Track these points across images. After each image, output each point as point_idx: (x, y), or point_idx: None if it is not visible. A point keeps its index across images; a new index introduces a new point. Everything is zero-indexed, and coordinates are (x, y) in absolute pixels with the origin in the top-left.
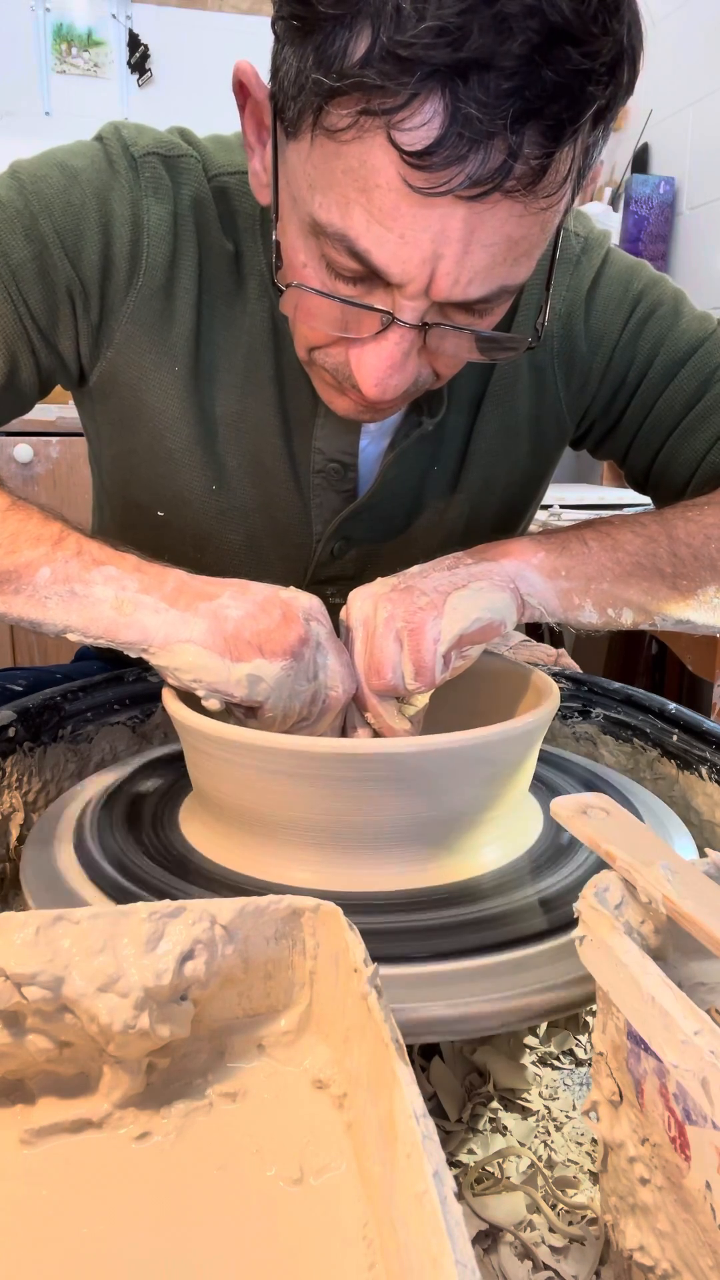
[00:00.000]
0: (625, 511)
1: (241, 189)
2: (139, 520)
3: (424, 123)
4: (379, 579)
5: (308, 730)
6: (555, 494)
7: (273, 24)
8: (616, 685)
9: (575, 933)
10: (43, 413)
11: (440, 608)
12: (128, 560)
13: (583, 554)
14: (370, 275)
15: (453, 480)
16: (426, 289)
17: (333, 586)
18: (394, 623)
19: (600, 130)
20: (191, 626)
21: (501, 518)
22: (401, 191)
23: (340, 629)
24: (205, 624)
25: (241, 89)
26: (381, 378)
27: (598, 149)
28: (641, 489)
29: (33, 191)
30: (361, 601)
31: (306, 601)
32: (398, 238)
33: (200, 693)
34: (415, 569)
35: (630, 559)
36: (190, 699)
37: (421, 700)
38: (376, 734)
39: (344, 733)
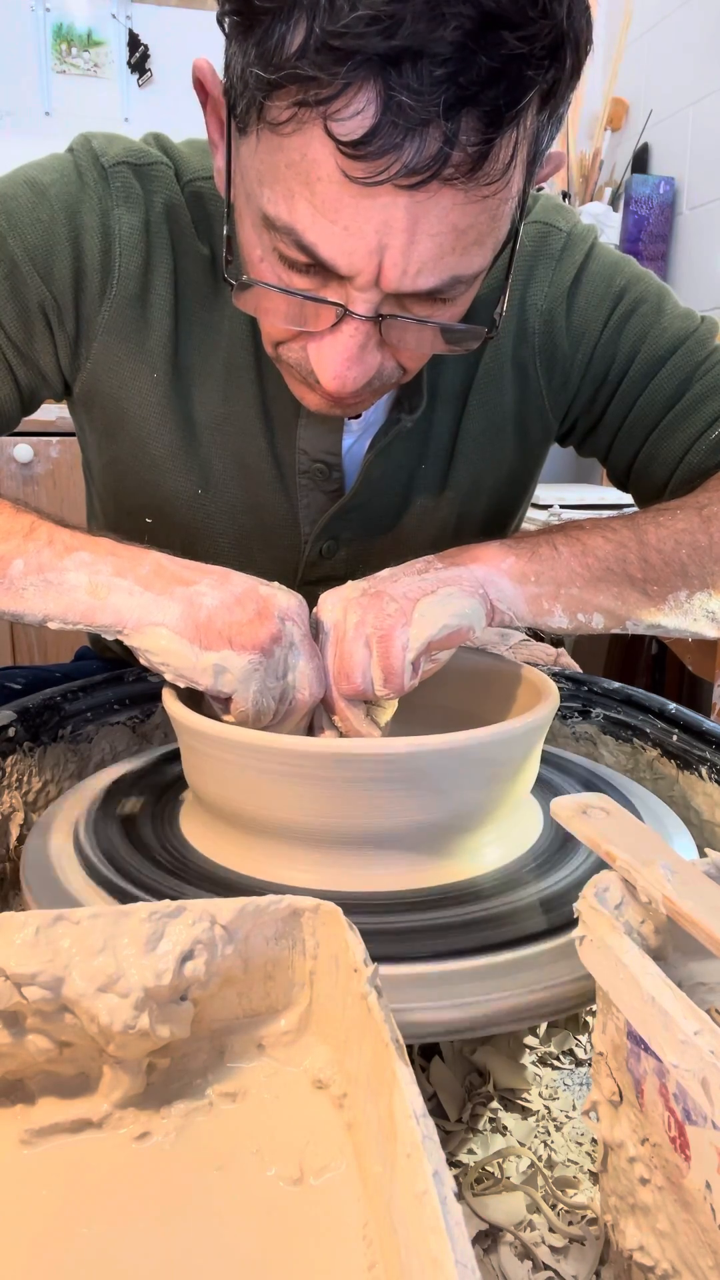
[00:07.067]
0: (625, 512)
1: (216, 192)
2: (130, 526)
3: (357, 112)
4: (349, 582)
5: (273, 729)
6: (555, 494)
7: (219, 20)
8: (616, 685)
9: (575, 933)
10: (43, 412)
11: (409, 614)
12: (101, 545)
13: (552, 559)
14: (322, 268)
15: (441, 478)
16: (376, 280)
17: (324, 586)
18: (364, 629)
19: (548, 114)
20: (165, 610)
21: (491, 517)
22: (342, 183)
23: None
24: (179, 609)
25: (200, 87)
26: (339, 371)
27: (549, 134)
28: (623, 487)
29: (1, 211)
30: (331, 605)
31: (285, 600)
32: (342, 230)
33: (168, 676)
34: (385, 572)
35: (600, 564)
36: (191, 699)
37: (391, 706)
38: (344, 737)
39: (310, 734)
